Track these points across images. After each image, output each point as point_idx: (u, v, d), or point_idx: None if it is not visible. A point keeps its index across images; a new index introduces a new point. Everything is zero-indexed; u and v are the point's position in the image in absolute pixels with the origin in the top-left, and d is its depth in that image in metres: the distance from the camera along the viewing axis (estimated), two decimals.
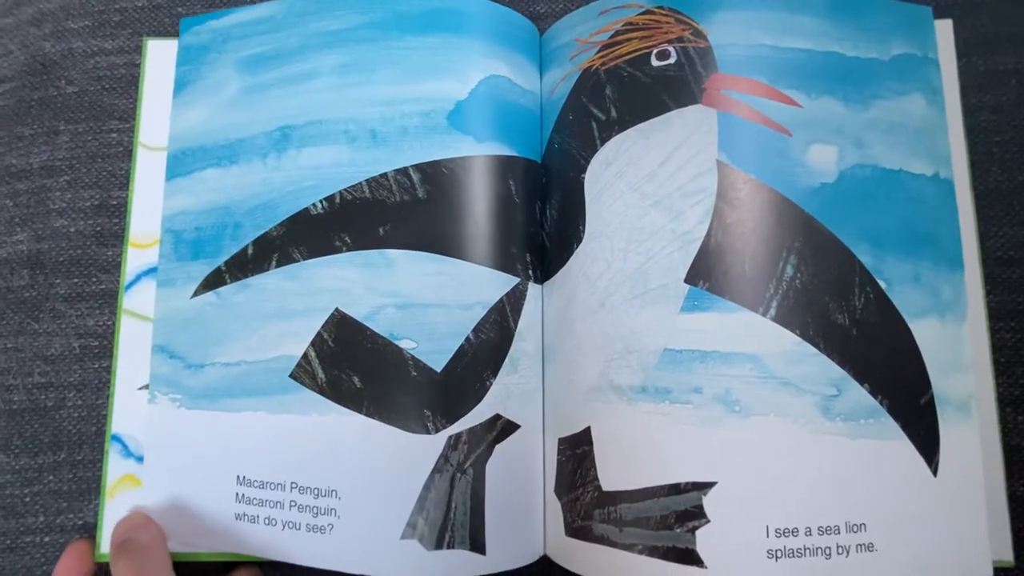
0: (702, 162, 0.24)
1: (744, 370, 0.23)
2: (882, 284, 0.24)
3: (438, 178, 0.25)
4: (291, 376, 0.26)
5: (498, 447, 0.25)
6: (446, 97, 0.26)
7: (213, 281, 0.27)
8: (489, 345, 0.25)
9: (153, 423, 0.27)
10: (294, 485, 0.25)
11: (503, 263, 0.26)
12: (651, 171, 0.24)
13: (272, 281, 0.26)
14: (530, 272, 0.26)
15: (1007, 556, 0.24)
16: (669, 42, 0.25)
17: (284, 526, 0.25)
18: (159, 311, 0.27)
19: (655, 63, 0.25)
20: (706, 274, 0.23)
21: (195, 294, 0.27)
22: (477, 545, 0.24)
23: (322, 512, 0.24)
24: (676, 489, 0.23)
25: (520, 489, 0.25)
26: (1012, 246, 0.26)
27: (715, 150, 0.24)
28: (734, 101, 0.24)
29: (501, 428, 0.25)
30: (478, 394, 0.25)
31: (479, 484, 0.24)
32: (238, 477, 0.26)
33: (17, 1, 0.32)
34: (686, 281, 0.23)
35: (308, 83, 0.27)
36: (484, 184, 0.26)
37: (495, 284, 0.25)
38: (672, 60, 0.25)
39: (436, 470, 0.24)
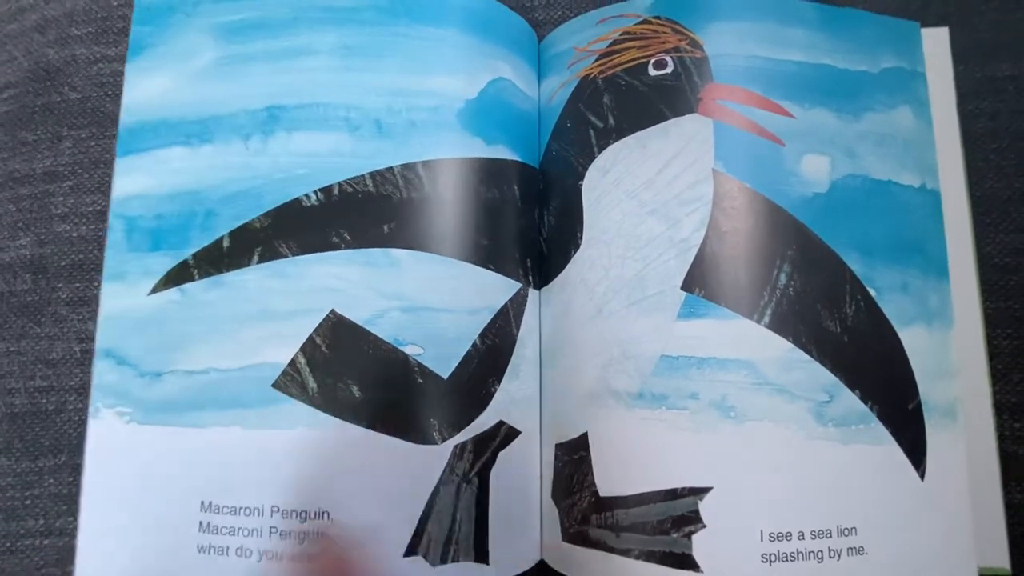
0: (699, 171, 0.24)
1: (739, 376, 0.23)
2: (872, 292, 0.24)
3: (448, 177, 0.25)
4: (274, 386, 0.23)
5: (501, 454, 0.25)
6: (456, 95, 0.25)
7: (177, 276, 0.24)
8: (495, 351, 0.25)
9: (94, 441, 0.24)
10: (275, 509, 0.23)
11: (508, 268, 0.25)
12: (648, 179, 0.25)
13: (253, 278, 0.24)
14: (530, 278, 0.26)
15: (1003, 564, 0.24)
16: (666, 52, 0.25)
17: (262, 556, 0.22)
18: (105, 310, 0.25)
19: (652, 72, 0.25)
20: (702, 281, 0.24)
21: (153, 291, 0.24)
22: (481, 555, 0.24)
23: (311, 537, 0.22)
24: (673, 494, 0.23)
25: (520, 495, 0.25)
26: (1009, 252, 0.26)
27: (711, 159, 0.24)
28: (729, 111, 0.24)
29: (504, 435, 0.25)
30: (483, 401, 0.24)
31: (483, 493, 0.24)
32: (203, 503, 0.23)
33: (21, 8, 0.33)
34: (682, 288, 0.24)
35: (302, 61, 0.25)
36: (493, 187, 0.25)
37: (500, 289, 0.25)
38: (669, 70, 0.25)
39: (442, 481, 0.23)
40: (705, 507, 0.23)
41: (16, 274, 0.29)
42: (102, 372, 0.24)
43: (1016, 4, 0.28)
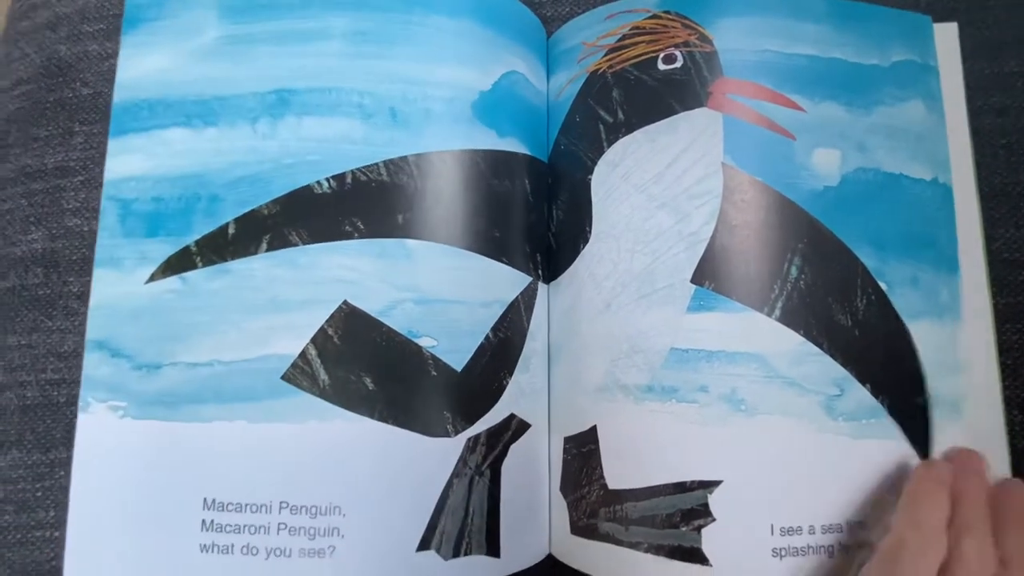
0: (708, 164, 0.24)
1: (749, 369, 0.23)
2: (883, 286, 0.24)
3: (462, 168, 0.25)
4: (283, 378, 0.23)
5: (512, 447, 0.25)
6: (470, 86, 0.25)
7: (178, 264, 0.23)
8: (507, 344, 0.25)
9: (85, 436, 0.23)
10: (284, 505, 0.22)
11: (519, 262, 0.26)
12: (658, 173, 0.25)
13: (261, 267, 0.23)
14: (539, 272, 0.26)
15: None
16: (675, 46, 0.25)
17: (269, 554, 0.22)
18: (97, 298, 0.24)
19: (661, 67, 0.25)
20: (712, 274, 0.24)
21: (151, 278, 0.24)
22: (493, 548, 0.24)
23: (321, 533, 0.22)
24: (682, 487, 0.23)
25: (530, 488, 0.25)
26: (1018, 247, 0.26)
27: (721, 153, 0.24)
28: (739, 105, 0.25)
29: (515, 428, 0.25)
30: (495, 394, 0.24)
31: (495, 486, 0.24)
32: (205, 500, 0.22)
33: (34, 5, 0.33)
34: (692, 281, 0.24)
35: (314, 44, 0.25)
36: (505, 180, 0.25)
37: (512, 282, 0.25)
38: (678, 64, 0.25)
39: (455, 474, 0.23)
40: (715, 500, 0.23)
41: (28, 268, 0.29)
42: (93, 364, 0.23)
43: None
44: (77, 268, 0.29)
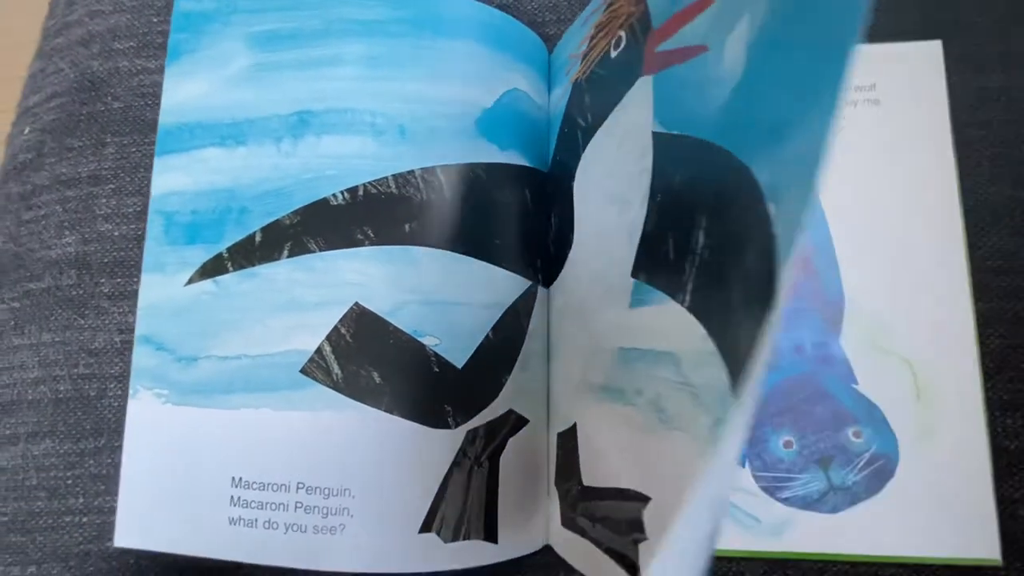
0: (641, 140, 0.22)
1: (668, 372, 0.19)
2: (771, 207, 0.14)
3: (465, 181, 0.27)
4: (302, 371, 0.25)
5: (510, 441, 0.26)
6: (474, 103, 0.27)
7: (212, 268, 0.26)
8: (505, 344, 0.27)
9: (134, 419, 0.26)
10: (300, 485, 0.25)
11: (519, 267, 0.27)
12: (609, 167, 0.24)
13: (283, 271, 0.26)
14: (539, 276, 0.28)
15: (995, 555, 0.25)
16: (621, 27, 0.24)
17: (287, 529, 0.24)
18: (145, 299, 0.27)
19: (612, 54, 0.25)
20: (644, 264, 0.21)
21: (189, 281, 0.26)
22: (490, 534, 0.26)
23: (333, 512, 0.24)
24: (624, 495, 0.21)
25: (528, 480, 0.27)
26: (1000, 256, 0.28)
27: (650, 122, 0.21)
28: (664, 53, 0.21)
29: (513, 423, 0.27)
30: (494, 390, 0.26)
31: (493, 476, 0.26)
32: (233, 479, 0.25)
33: (67, 23, 0.36)
34: (632, 275, 0.22)
35: (331, 69, 0.27)
36: (506, 191, 0.27)
37: (512, 286, 0.27)
38: (624, 45, 0.24)
39: (455, 464, 0.25)
40: (648, 517, 0.20)
41: (62, 270, 0.31)
42: (141, 356, 0.26)
43: (1007, 18, 0.30)
44: (108, 270, 0.31)
